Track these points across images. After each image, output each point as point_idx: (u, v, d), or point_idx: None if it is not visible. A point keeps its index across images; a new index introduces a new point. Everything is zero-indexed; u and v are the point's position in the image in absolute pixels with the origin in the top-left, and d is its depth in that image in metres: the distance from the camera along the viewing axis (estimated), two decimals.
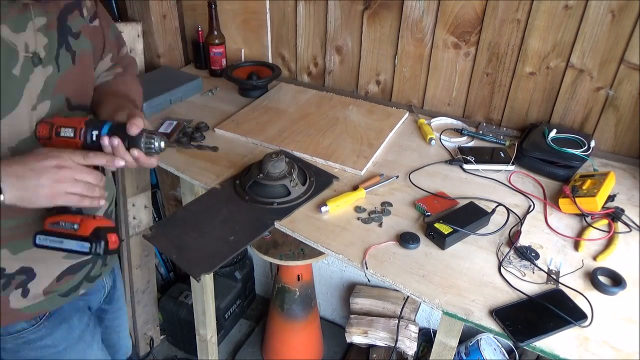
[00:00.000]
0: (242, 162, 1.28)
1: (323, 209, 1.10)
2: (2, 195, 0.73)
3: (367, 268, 0.97)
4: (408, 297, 1.74)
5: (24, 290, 0.91)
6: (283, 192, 1.14)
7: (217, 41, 1.73)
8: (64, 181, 0.77)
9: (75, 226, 0.85)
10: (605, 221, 1.08)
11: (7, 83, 0.79)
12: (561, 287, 0.93)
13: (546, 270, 0.96)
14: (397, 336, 1.73)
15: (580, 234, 1.06)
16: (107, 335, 1.20)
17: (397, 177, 1.23)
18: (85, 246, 0.84)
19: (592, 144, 1.28)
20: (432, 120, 1.50)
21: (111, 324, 1.21)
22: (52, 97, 0.86)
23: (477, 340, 1.69)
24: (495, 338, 1.72)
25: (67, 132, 0.83)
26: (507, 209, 1.11)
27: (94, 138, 0.83)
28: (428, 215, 1.10)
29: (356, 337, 1.81)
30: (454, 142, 1.39)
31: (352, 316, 1.87)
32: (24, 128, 0.83)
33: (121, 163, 0.82)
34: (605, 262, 0.99)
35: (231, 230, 1.06)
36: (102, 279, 1.11)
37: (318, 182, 1.20)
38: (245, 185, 1.16)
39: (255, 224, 1.08)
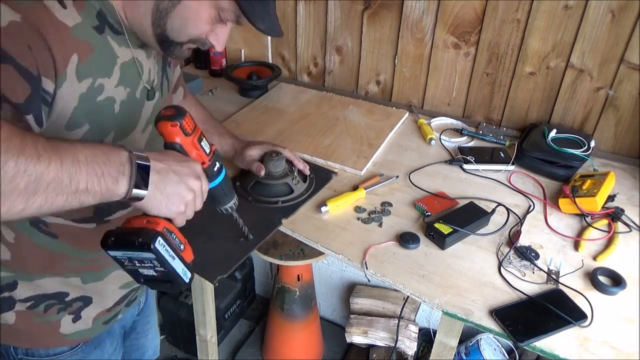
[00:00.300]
0: None
1: (323, 209, 1.10)
2: (145, 194, 0.65)
3: (367, 268, 0.97)
4: (408, 297, 1.74)
5: (76, 316, 0.91)
6: (286, 190, 1.14)
7: None
8: (189, 201, 0.70)
9: (182, 246, 0.71)
10: (605, 221, 1.08)
11: (132, 103, 0.81)
12: (561, 287, 0.93)
13: (546, 270, 0.96)
14: (397, 336, 1.73)
15: (580, 234, 1.06)
16: (137, 340, 1.19)
17: (397, 177, 1.23)
18: (187, 275, 0.71)
19: (592, 144, 1.28)
20: (432, 120, 1.50)
21: (141, 329, 1.21)
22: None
23: (477, 340, 1.69)
24: (495, 338, 1.72)
25: (206, 146, 0.76)
26: (507, 209, 1.11)
27: (215, 170, 0.79)
28: (428, 215, 1.10)
29: (356, 337, 1.80)
30: (454, 142, 1.39)
31: (352, 316, 1.87)
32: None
33: None
34: (605, 262, 0.99)
35: (240, 232, 1.06)
36: (137, 301, 1.10)
37: (318, 178, 1.21)
38: (246, 186, 1.16)
39: (263, 224, 1.08)
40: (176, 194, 0.68)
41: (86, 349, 0.97)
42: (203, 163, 0.75)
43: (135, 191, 0.63)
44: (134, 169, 0.62)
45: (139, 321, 1.18)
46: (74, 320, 0.92)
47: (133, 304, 1.06)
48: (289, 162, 1.17)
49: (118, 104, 0.78)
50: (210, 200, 0.79)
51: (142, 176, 0.63)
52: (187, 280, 0.71)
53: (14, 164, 0.53)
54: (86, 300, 0.92)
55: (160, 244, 0.66)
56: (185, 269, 0.71)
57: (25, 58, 0.62)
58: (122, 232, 0.67)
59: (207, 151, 0.76)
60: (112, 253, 0.67)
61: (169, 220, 0.69)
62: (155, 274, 0.69)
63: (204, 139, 0.76)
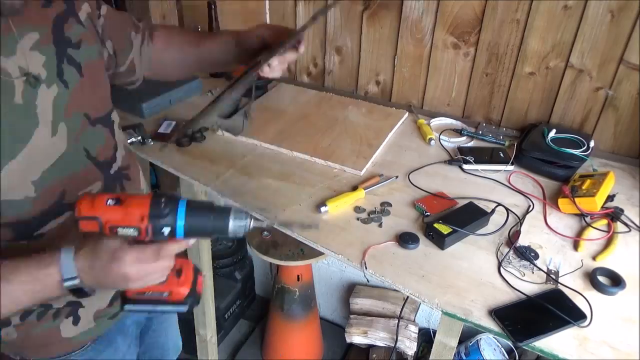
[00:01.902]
0: (242, 162, 1.28)
1: (322, 209, 1.10)
2: (89, 295, 0.73)
3: (366, 268, 0.97)
4: (408, 297, 1.75)
5: (74, 318, 0.89)
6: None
7: None
8: (145, 282, 0.72)
9: (165, 294, 0.75)
10: (604, 221, 1.08)
11: (12, 115, 0.72)
12: (560, 287, 0.93)
13: (545, 270, 0.96)
14: (397, 336, 1.73)
15: (579, 234, 1.06)
16: (155, 339, 1.18)
17: (397, 177, 1.23)
18: (183, 308, 0.76)
19: (592, 144, 1.28)
20: (431, 121, 1.50)
21: (158, 327, 1.18)
22: (68, 118, 0.80)
23: (477, 340, 1.69)
24: (495, 338, 1.72)
25: (128, 232, 0.68)
26: (507, 209, 1.11)
27: (166, 235, 0.68)
28: (427, 216, 1.10)
29: (356, 337, 1.81)
30: (453, 142, 1.39)
31: (352, 316, 1.87)
32: (47, 158, 0.77)
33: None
34: (604, 262, 0.99)
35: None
36: None
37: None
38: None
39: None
40: (118, 285, 0.72)
41: (98, 347, 0.95)
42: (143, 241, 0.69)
43: (80, 298, 0.73)
44: (67, 293, 0.71)
45: (154, 318, 1.15)
46: (75, 323, 0.89)
47: None
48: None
49: None
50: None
51: (79, 292, 0.71)
52: (185, 310, 0.77)
53: None
54: (75, 305, 0.88)
55: (129, 307, 0.76)
56: (179, 307, 0.76)
57: None
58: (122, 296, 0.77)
59: (136, 234, 0.68)
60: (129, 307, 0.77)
61: None
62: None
63: (119, 228, 0.68)
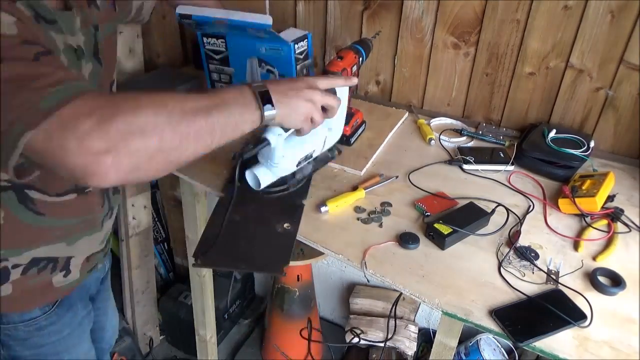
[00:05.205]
0: None
1: (322, 209, 1.10)
2: (275, 111, 0.80)
3: (366, 268, 0.97)
4: (400, 295, 1.74)
5: (66, 271, 0.99)
6: (288, 175, 1.13)
7: None
8: (315, 102, 0.87)
9: None
10: (604, 221, 1.08)
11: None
12: (561, 287, 0.93)
13: (546, 271, 0.96)
14: (387, 334, 1.73)
15: (579, 234, 1.06)
16: (97, 317, 1.21)
17: (397, 177, 1.23)
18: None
19: (592, 144, 1.28)
20: (431, 121, 1.50)
21: (102, 304, 1.24)
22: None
23: (477, 340, 1.69)
24: (494, 338, 1.72)
25: None
26: (507, 209, 1.11)
27: None
28: (428, 216, 1.10)
29: (356, 337, 1.80)
30: (453, 142, 1.39)
31: (351, 316, 1.87)
32: None
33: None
34: (604, 262, 0.99)
35: (273, 224, 1.06)
36: (105, 260, 1.17)
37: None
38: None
39: (288, 209, 1.10)
40: (298, 105, 0.84)
41: (59, 311, 1.02)
42: None
43: (267, 113, 0.79)
44: (258, 97, 0.79)
45: (100, 295, 1.22)
46: (65, 275, 1.00)
47: (105, 257, 1.14)
48: None
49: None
50: None
51: (267, 100, 0.79)
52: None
53: (204, 121, 0.71)
54: (68, 260, 0.99)
55: None
56: None
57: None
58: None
59: None
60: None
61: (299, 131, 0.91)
62: None
63: None
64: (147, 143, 0.64)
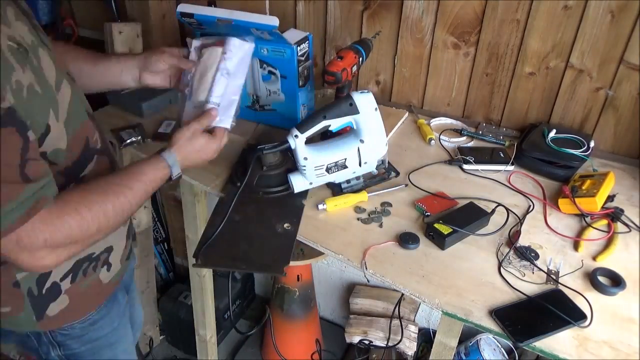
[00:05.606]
0: None
1: (320, 206, 1.10)
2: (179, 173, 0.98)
3: (366, 268, 0.97)
4: (402, 296, 1.74)
5: (108, 265, 1.02)
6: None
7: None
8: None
9: None
10: (604, 221, 1.08)
11: (37, 75, 0.77)
12: (561, 287, 0.93)
13: (546, 271, 0.96)
14: (389, 334, 1.73)
15: (579, 234, 1.06)
16: (130, 309, 1.23)
17: (397, 176, 1.23)
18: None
19: (592, 144, 1.28)
20: (431, 121, 1.50)
21: (132, 296, 1.25)
22: (61, 73, 0.85)
23: (477, 340, 1.69)
24: (494, 338, 1.72)
25: None
26: (507, 209, 1.11)
27: None
28: (428, 216, 1.10)
29: (356, 337, 1.81)
30: (453, 142, 1.39)
31: (351, 316, 1.87)
32: (64, 109, 0.84)
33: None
34: (604, 262, 0.99)
35: (273, 223, 1.07)
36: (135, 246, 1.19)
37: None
38: (252, 182, 1.15)
39: (289, 210, 1.11)
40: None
41: (108, 304, 1.05)
42: None
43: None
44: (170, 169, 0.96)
45: (131, 285, 1.23)
46: (108, 269, 1.02)
47: (134, 250, 1.17)
48: (285, 152, 1.15)
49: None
50: None
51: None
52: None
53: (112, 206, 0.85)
54: (109, 249, 1.01)
55: None
56: None
57: None
58: None
59: None
60: None
61: None
62: None
63: None
64: (85, 245, 0.85)
